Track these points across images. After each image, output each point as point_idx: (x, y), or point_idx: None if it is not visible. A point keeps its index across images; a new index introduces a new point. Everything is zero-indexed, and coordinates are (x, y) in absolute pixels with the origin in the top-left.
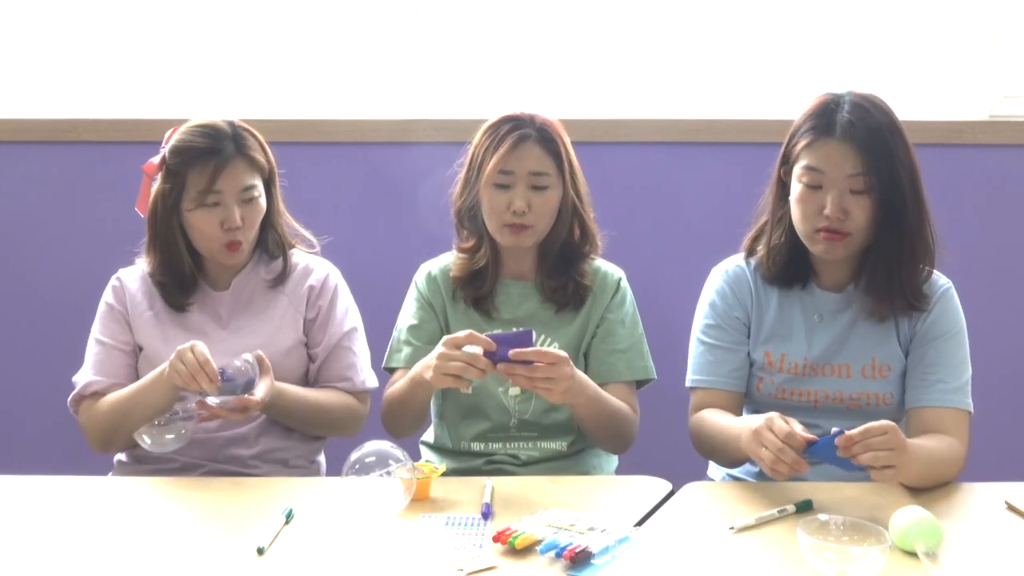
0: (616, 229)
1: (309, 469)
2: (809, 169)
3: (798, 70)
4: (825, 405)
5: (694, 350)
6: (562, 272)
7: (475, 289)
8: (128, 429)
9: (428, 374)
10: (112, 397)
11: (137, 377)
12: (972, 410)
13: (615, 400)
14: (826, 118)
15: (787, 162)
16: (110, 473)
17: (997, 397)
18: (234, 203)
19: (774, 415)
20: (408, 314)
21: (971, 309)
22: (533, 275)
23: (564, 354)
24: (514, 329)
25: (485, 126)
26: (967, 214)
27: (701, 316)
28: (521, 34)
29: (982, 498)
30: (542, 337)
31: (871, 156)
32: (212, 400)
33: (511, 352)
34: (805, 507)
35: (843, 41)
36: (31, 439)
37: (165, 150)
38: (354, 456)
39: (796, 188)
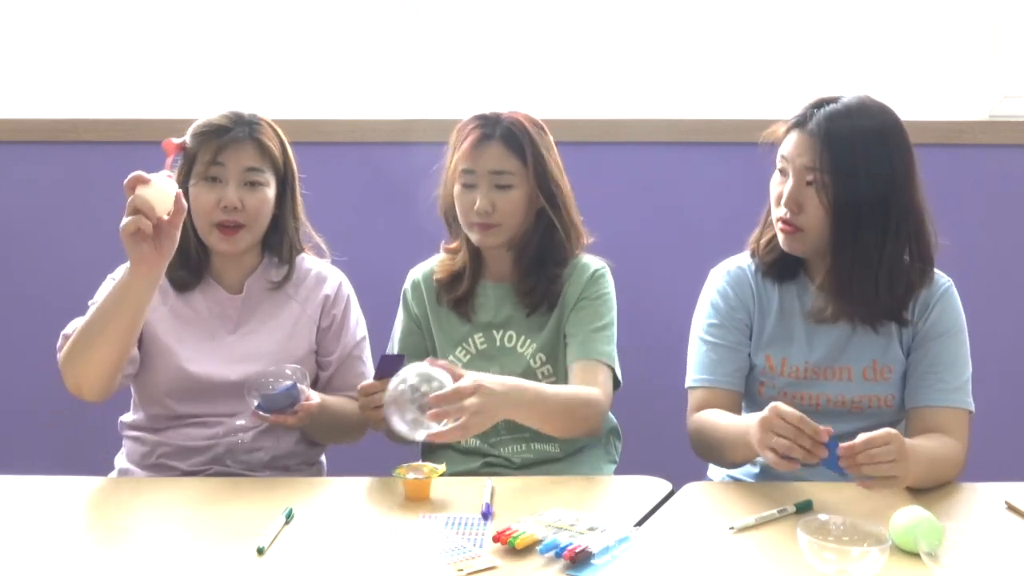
0: (615, 229)
1: (310, 471)
2: (780, 157)
3: (798, 70)
4: (827, 408)
5: (696, 350)
6: (534, 273)
7: (454, 290)
8: (96, 352)
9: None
10: (81, 320)
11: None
12: (973, 409)
13: (559, 392)
14: (806, 113)
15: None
16: (110, 474)
17: (997, 397)
18: (235, 183)
19: (778, 404)
20: (398, 326)
21: (971, 309)
22: (511, 277)
23: (464, 384)
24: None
25: (457, 127)
26: (967, 214)
27: (703, 316)
28: (521, 34)
29: (982, 498)
30: (522, 339)
31: (831, 155)
32: (264, 411)
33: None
34: (805, 507)
35: (843, 41)
36: (31, 439)
37: (189, 134)
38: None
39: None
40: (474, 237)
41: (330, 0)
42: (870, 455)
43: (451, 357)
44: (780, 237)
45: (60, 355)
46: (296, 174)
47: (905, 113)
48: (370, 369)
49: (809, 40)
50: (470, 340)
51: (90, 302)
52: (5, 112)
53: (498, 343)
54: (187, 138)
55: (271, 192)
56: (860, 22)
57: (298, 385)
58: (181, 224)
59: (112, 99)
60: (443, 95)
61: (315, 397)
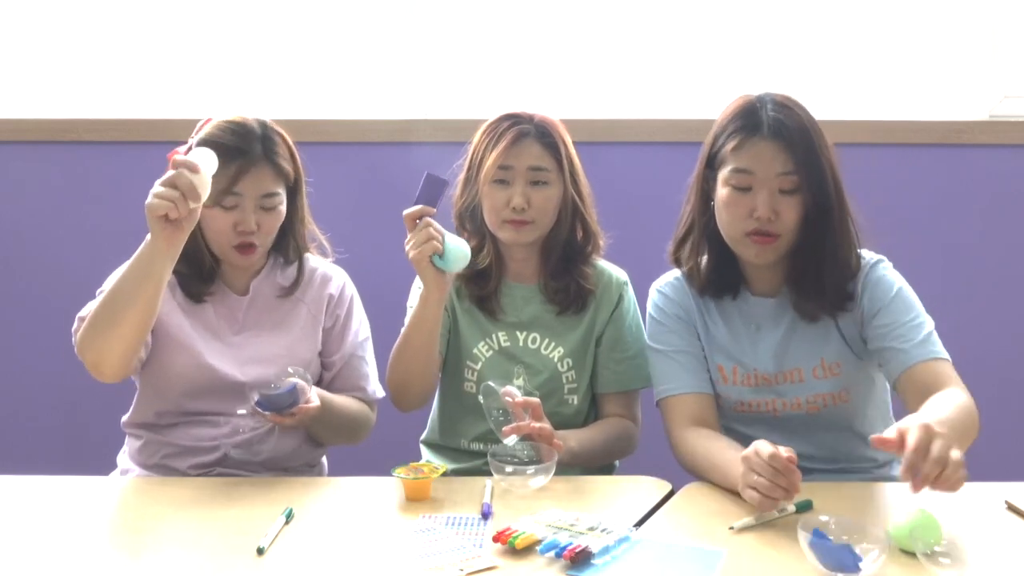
0: (615, 229)
1: (311, 472)
2: (738, 171)
3: (798, 70)
4: (785, 413)
5: (653, 363)
6: (564, 273)
7: (479, 288)
8: (115, 330)
9: (413, 256)
10: (98, 299)
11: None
12: (948, 357)
13: (602, 431)
14: (752, 118)
15: (711, 166)
16: (111, 473)
17: (997, 397)
18: (252, 208)
19: (761, 441)
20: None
21: (971, 309)
22: (536, 277)
23: (555, 450)
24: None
25: (484, 125)
26: (967, 214)
27: (651, 330)
28: (521, 34)
29: (982, 498)
30: (547, 341)
31: (799, 154)
32: (263, 409)
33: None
34: (805, 507)
35: (843, 41)
36: (31, 439)
37: (193, 142)
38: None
39: (723, 192)
40: (505, 235)
41: (330, 0)
42: (935, 460)
43: (475, 351)
44: (752, 250)
45: (77, 336)
46: (303, 179)
47: (905, 113)
48: (372, 370)
49: (809, 40)
50: (493, 336)
51: (99, 291)
52: (5, 112)
53: (521, 343)
54: (193, 145)
55: (284, 207)
56: (860, 22)
57: (298, 386)
58: (201, 205)
59: (112, 99)
60: (443, 95)
61: (315, 400)
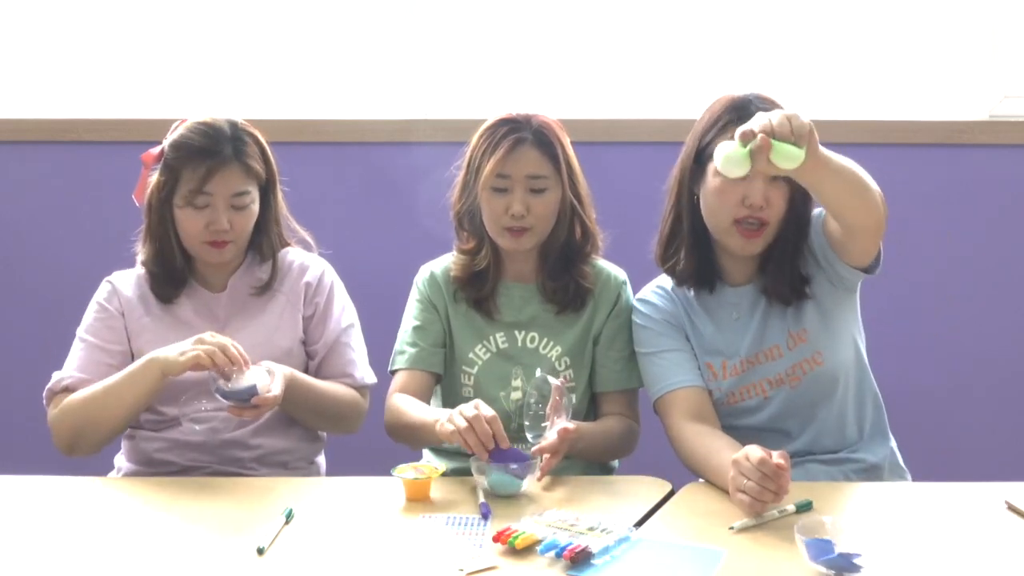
0: (616, 230)
1: (309, 470)
2: None
3: (798, 70)
4: (773, 393)
5: (645, 368)
6: (563, 273)
7: (476, 290)
8: (100, 424)
9: (438, 426)
10: (87, 390)
11: None
12: None
13: (607, 430)
14: (744, 110)
15: (698, 162)
16: (111, 473)
17: (997, 397)
18: (223, 207)
19: (751, 446)
20: (411, 316)
21: (972, 309)
22: (534, 277)
23: (565, 439)
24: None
25: (482, 128)
26: (967, 214)
27: (640, 336)
28: (521, 34)
29: (982, 498)
30: (545, 340)
31: None
32: (224, 399)
33: (535, 449)
34: (805, 507)
35: (843, 41)
36: (31, 439)
37: (165, 143)
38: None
39: (714, 182)
40: (504, 243)
41: (330, 0)
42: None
43: (471, 355)
44: (738, 241)
45: (53, 412)
46: (277, 177)
47: (905, 113)
48: (360, 356)
49: (809, 40)
50: (491, 338)
51: (79, 330)
52: (5, 112)
53: (520, 343)
54: (165, 147)
55: (256, 206)
56: (861, 22)
57: (259, 384)
58: None
59: (112, 99)
60: (443, 95)
61: (275, 390)
